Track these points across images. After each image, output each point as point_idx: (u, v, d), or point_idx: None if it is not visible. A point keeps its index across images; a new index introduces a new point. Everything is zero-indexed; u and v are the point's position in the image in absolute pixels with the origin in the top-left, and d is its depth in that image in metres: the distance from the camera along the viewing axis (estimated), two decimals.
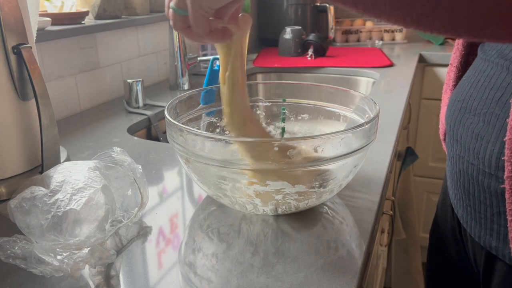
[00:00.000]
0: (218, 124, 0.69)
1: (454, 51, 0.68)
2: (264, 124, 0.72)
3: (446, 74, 0.70)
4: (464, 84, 0.57)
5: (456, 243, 0.63)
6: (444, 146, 0.70)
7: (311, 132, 0.69)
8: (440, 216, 0.70)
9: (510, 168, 0.44)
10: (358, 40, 1.98)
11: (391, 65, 1.47)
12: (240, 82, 0.52)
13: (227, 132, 0.70)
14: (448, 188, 0.63)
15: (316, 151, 0.54)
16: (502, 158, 0.46)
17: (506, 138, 0.44)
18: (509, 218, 0.45)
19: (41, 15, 0.92)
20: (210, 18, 0.45)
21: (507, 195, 0.45)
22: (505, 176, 0.45)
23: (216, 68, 1.09)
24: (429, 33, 0.28)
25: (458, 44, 0.66)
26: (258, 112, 0.72)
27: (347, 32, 1.96)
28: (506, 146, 0.44)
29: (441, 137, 0.69)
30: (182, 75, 1.22)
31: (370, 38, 1.97)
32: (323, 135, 0.49)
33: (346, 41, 1.97)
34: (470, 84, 0.55)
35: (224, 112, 0.54)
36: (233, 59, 0.51)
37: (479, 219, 0.53)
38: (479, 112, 0.51)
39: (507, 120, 0.46)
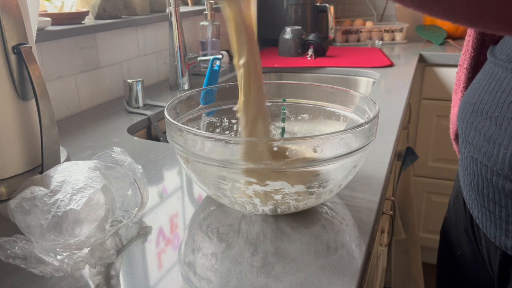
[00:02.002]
0: (218, 124, 0.69)
1: (463, 52, 0.68)
2: None
3: (456, 75, 0.70)
4: (475, 87, 0.57)
5: (470, 243, 0.62)
6: (454, 146, 0.70)
7: (311, 132, 0.69)
8: (452, 215, 0.70)
9: None
10: (358, 40, 1.98)
11: (391, 65, 1.47)
12: (257, 69, 0.51)
13: (227, 132, 0.70)
14: (461, 188, 0.63)
15: (315, 151, 0.54)
16: None
17: None
18: None
19: (41, 15, 0.93)
20: None
21: None
22: None
23: (216, 68, 1.09)
24: (427, 15, 0.29)
25: (467, 46, 0.66)
26: None
27: (347, 32, 1.96)
28: None
29: (452, 137, 0.69)
30: (182, 75, 1.22)
31: (370, 38, 1.97)
32: (322, 135, 0.49)
33: (346, 41, 1.97)
34: (482, 87, 0.55)
35: (239, 99, 0.53)
36: (247, 42, 0.49)
37: (494, 220, 0.52)
38: (490, 116, 0.51)
39: None
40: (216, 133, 0.69)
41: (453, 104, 0.69)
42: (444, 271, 0.74)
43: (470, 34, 0.65)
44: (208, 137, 0.50)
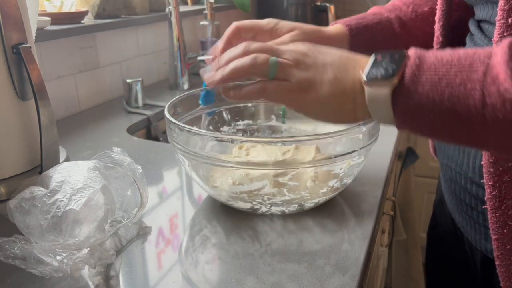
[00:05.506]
0: (218, 124, 0.69)
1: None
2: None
3: None
4: None
5: (454, 244, 0.63)
6: (436, 158, 0.70)
7: (312, 132, 0.69)
8: (437, 217, 0.71)
9: (489, 190, 0.44)
10: None
11: None
12: None
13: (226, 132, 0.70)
14: (443, 193, 0.64)
15: (316, 151, 0.54)
16: (490, 170, 0.46)
17: (483, 162, 0.45)
18: (493, 237, 0.46)
19: (41, 14, 0.92)
20: None
21: (489, 215, 0.46)
22: (485, 198, 0.45)
23: None
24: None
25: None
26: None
27: None
28: (484, 170, 0.45)
29: (431, 150, 0.69)
30: (182, 75, 1.22)
31: None
32: (323, 135, 0.49)
33: None
34: None
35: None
36: None
37: (474, 224, 0.53)
38: None
39: None
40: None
41: None
42: (432, 272, 0.75)
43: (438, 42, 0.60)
44: (208, 137, 0.50)
